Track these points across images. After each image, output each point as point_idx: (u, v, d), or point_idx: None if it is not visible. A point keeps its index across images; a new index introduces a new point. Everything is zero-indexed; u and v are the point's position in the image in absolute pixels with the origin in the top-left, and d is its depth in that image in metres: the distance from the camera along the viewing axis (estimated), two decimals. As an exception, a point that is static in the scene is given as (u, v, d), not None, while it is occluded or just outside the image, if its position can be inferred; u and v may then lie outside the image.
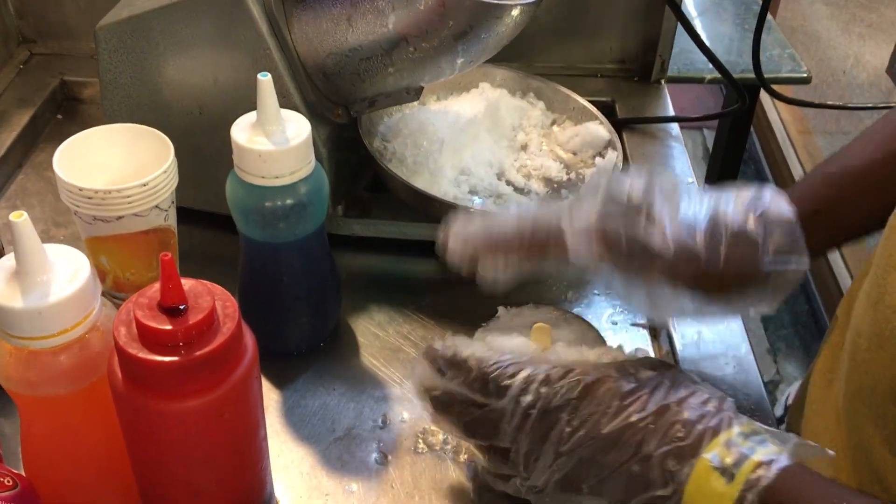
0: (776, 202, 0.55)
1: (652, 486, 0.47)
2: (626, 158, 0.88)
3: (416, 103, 0.84)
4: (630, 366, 0.52)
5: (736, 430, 0.47)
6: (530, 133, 0.86)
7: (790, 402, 0.73)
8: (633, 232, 0.53)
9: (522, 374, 0.51)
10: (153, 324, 0.45)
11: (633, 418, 0.49)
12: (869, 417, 0.54)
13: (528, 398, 0.50)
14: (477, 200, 0.78)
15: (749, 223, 0.54)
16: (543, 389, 0.50)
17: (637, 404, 0.49)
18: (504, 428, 0.51)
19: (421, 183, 0.75)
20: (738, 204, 0.55)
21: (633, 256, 0.53)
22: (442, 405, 0.54)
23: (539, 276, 0.73)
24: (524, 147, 0.85)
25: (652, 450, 0.48)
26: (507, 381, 0.51)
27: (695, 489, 0.46)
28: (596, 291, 0.76)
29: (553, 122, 0.88)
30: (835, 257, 1.95)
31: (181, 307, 0.45)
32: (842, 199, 0.58)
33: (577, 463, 0.49)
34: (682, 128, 0.97)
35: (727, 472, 0.46)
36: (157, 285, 0.46)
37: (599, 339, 0.67)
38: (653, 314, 0.69)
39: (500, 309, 0.68)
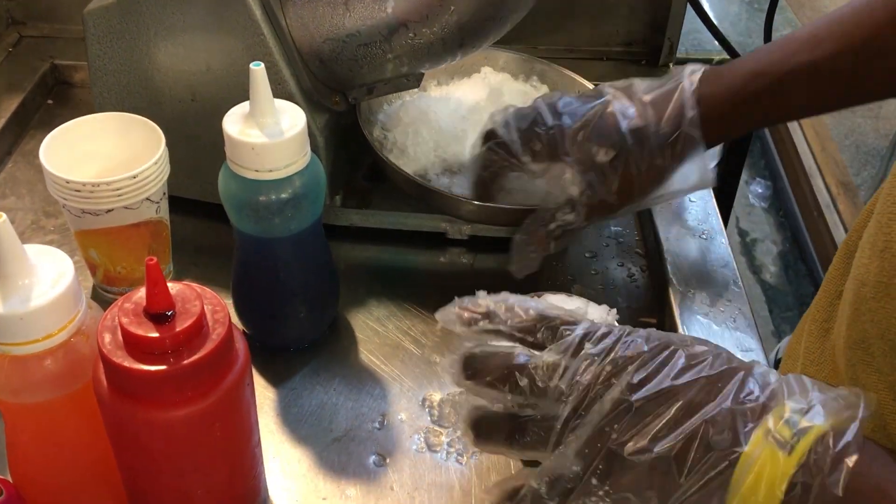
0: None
1: (723, 443, 0.43)
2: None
3: (416, 90, 0.81)
4: (683, 337, 0.48)
5: (791, 404, 0.43)
6: None
7: (780, 355, 0.72)
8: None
9: (584, 325, 0.47)
10: (139, 331, 0.43)
11: (704, 373, 0.45)
12: (872, 365, 0.53)
13: (592, 346, 0.46)
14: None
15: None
16: (608, 341, 0.46)
17: (703, 365, 0.45)
18: (553, 380, 0.46)
19: (421, 173, 0.73)
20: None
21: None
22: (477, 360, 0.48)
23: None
24: None
25: (730, 405, 0.44)
26: (568, 328, 0.47)
27: (750, 453, 0.42)
28: (601, 285, 0.74)
29: None
30: (826, 201, 1.93)
31: (168, 313, 0.43)
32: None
33: (639, 415, 0.44)
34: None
35: (786, 445, 0.42)
36: (143, 289, 0.44)
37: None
38: None
39: None
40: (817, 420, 0.43)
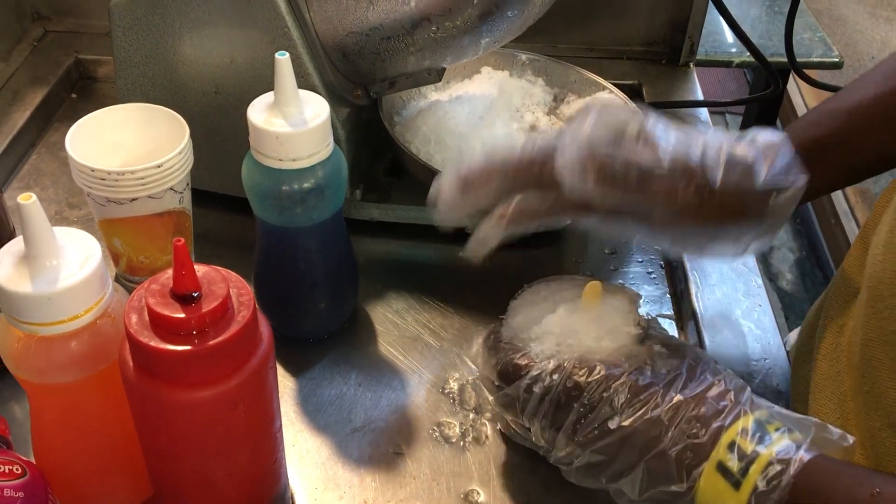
0: (765, 133, 0.55)
1: (669, 480, 0.48)
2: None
3: (430, 97, 0.81)
4: (648, 355, 0.52)
5: (741, 426, 0.47)
6: (535, 111, 0.83)
7: (789, 347, 0.72)
8: (626, 152, 0.50)
9: (539, 366, 0.53)
10: (165, 311, 0.43)
11: (648, 415, 0.49)
12: (885, 363, 0.53)
13: (541, 385, 0.52)
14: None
15: (740, 147, 0.53)
16: (556, 377, 0.52)
17: (652, 401, 0.49)
18: (522, 410, 0.53)
19: (442, 166, 0.73)
20: (728, 135, 0.55)
21: (627, 179, 0.50)
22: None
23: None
24: (533, 127, 0.83)
25: (667, 447, 0.48)
26: (524, 366, 0.53)
27: (705, 492, 0.47)
28: (620, 282, 0.74)
29: (555, 98, 0.86)
30: (844, 209, 1.92)
31: (194, 294, 0.44)
32: (848, 132, 0.56)
33: (591, 455, 0.50)
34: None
35: (733, 478, 0.46)
36: (169, 271, 0.44)
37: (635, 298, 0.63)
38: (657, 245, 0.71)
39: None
40: (761, 447, 0.46)
